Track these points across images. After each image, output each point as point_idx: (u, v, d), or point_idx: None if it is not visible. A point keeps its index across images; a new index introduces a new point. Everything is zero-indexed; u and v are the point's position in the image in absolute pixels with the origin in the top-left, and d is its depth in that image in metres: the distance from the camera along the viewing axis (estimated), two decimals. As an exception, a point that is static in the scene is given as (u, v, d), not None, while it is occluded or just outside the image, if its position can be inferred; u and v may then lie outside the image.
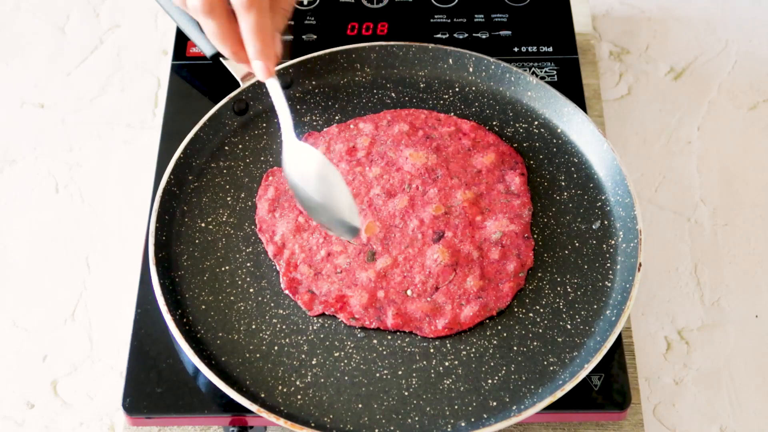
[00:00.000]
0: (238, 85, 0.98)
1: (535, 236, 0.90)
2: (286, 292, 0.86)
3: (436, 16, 1.09)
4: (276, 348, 0.83)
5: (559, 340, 0.84)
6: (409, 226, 0.88)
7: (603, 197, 0.92)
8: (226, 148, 0.96)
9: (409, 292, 0.85)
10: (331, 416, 0.80)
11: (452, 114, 0.98)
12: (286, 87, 0.99)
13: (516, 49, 1.06)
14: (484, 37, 1.07)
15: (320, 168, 0.85)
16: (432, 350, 0.83)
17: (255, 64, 0.87)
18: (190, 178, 0.93)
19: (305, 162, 0.86)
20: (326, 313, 0.85)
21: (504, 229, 0.87)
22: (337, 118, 0.98)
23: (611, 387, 0.83)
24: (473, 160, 0.92)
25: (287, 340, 0.84)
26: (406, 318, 0.84)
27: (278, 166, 0.94)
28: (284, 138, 0.87)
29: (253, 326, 0.85)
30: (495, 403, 0.81)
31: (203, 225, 0.91)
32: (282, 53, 0.90)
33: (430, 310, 0.84)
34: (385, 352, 0.83)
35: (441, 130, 0.95)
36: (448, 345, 0.84)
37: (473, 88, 1.00)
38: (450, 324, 0.83)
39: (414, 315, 0.84)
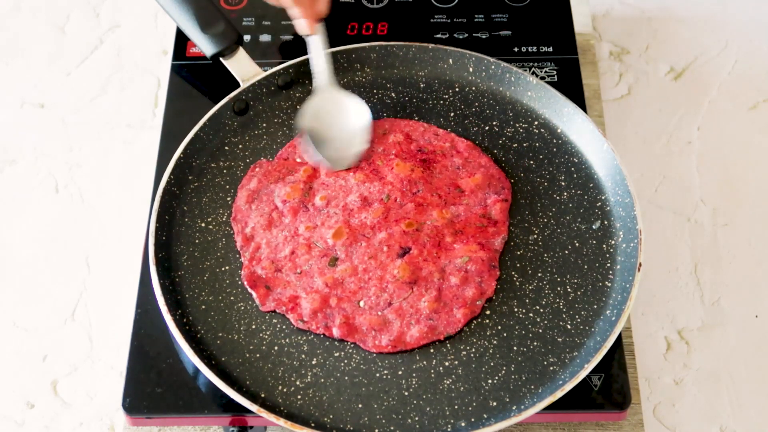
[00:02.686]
0: (238, 85, 0.98)
1: (535, 236, 0.90)
2: (244, 283, 0.86)
3: (436, 16, 1.09)
4: (276, 348, 0.83)
5: (559, 340, 0.84)
6: (376, 237, 0.88)
7: (603, 197, 0.92)
8: (226, 148, 0.96)
9: (361, 303, 0.85)
10: (331, 416, 0.80)
11: (452, 115, 0.98)
12: (286, 87, 0.99)
13: (516, 49, 1.06)
14: (484, 37, 1.07)
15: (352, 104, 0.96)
16: (432, 350, 0.83)
17: (297, 23, 0.97)
18: (190, 178, 0.93)
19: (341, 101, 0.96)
20: (277, 311, 0.85)
21: (471, 254, 0.86)
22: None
23: (611, 387, 0.83)
24: (459, 180, 0.92)
25: (287, 340, 0.84)
26: (351, 329, 0.83)
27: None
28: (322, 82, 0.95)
29: (253, 326, 0.85)
30: (495, 403, 0.81)
31: (203, 225, 0.91)
32: (326, 10, 0.97)
33: (378, 324, 0.84)
34: (382, 353, 0.83)
35: (435, 144, 0.94)
36: (448, 345, 0.84)
37: (473, 88, 1.00)
38: (394, 342, 0.83)
39: (360, 327, 0.84)
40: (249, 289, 0.86)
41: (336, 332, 0.83)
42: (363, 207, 0.89)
